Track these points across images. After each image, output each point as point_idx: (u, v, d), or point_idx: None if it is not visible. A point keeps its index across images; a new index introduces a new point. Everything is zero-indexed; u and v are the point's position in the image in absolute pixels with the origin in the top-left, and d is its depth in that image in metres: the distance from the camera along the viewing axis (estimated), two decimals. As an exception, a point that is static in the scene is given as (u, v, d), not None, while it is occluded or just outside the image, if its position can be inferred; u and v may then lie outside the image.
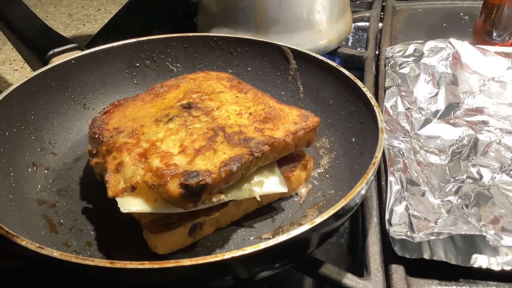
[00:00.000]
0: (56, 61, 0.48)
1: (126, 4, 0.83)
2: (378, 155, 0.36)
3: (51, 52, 0.49)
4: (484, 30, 0.61)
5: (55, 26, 0.53)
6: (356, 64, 0.63)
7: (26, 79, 0.44)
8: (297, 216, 0.40)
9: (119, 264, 0.27)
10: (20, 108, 0.43)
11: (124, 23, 0.77)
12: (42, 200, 0.40)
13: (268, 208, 0.41)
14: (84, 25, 0.83)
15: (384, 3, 0.76)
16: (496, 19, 0.59)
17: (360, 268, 0.38)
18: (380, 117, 0.39)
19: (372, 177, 0.35)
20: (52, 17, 0.57)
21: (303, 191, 0.42)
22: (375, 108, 0.40)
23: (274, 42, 0.50)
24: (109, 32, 0.73)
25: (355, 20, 0.73)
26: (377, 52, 0.63)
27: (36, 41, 0.51)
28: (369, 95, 0.42)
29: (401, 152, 0.45)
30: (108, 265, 0.27)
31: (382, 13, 0.73)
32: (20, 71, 0.69)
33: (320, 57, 0.48)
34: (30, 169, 0.42)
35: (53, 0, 0.91)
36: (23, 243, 0.29)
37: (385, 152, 0.45)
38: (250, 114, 0.40)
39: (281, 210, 0.41)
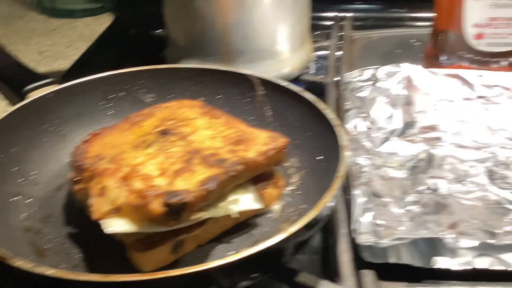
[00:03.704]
0: (33, 95, 0.50)
1: (96, 40, 0.86)
2: (340, 169, 0.39)
3: (27, 87, 0.51)
4: (433, 55, 0.66)
5: (27, 63, 0.55)
6: (318, 90, 0.67)
7: (5, 114, 0.46)
8: (273, 231, 0.43)
9: (112, 277, 0.29)
10: (1, 141, 0.45)
11: (95, 59, 0.79)
12: (27, 227, 0.42)
13: (245, 224, 0.43)
14: (55, 61, 0.85)
15: (341, 33, 0.81)
16: (444, 44, 0.65)
17: (328, 275, 0.41)
18: (341, 135, 0.43)
19: (338, 190, 0.38)
20: (23, 55, 0.58)
21: (276, 207, 0.45)
22: (336, 127, 0.44)
23: (241, 72, 0.54)
24: (81, 67, 0.76)
25: (316, 49, 0.77)
26: (338, 78, 0.67)
27: (12, 77, 0.53)
28: (331, 116, 0.46)
29: (364, 168, 0.49)
30: (102, 279, 0.29)
31: (341, 42, 0.78)
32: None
33: (285, 83, 0.52)
34: (15, 198, 0.44)
35: (23, 39, 0.93)
36: (17, 264, 0.30)
37: (350, 168, 0.49)
38: (223, 137, 0.43)
39: (257, 226, 0.43)
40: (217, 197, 0.39)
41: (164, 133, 0.43)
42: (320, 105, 0.48)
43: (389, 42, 0.77)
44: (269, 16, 0.60)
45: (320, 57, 0.77)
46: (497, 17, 0.60)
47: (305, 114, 0.50)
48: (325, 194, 0.37)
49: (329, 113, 0.46)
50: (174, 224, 0.36)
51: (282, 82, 0.52)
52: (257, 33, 0.61)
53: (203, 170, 0.38)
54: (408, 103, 0.59)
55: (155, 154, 0.40)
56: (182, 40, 0.64)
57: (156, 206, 0.35)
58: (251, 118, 0.54)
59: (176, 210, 0.36)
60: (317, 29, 0.86)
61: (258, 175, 0.43)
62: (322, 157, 0.47)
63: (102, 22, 1.00)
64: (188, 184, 0.37)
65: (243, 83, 0.54)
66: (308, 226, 0.35)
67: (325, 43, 0.77)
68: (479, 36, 0.62)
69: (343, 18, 0.87)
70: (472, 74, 0.61)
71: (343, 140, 0.42)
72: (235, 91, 0.55)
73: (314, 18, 0.91)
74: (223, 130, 0.44)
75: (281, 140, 0.43)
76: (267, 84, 0.53)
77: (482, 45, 0.62)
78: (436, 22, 0.65)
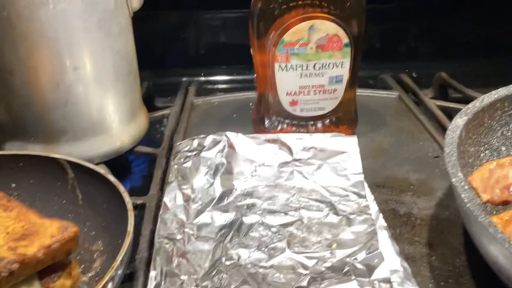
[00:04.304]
0: None
1: None
2: (118, 259, 0.40)
3: None
4: (259, 119, 0.70)
5: None
6: (152, 162, 0.68)
7: None
8: (62, 324, 0.43)
9: None
10: None
11: None
12: None
13: (33, 320, 0.43)
14: None
15: (185, 99, 0.84)
16: (266, 109, 0.69)
17: None
18: (130, 220, 0.44)
19: (111, 281, 0.39)
20: None
21: (70, 297, 0.45)
22: (128, 212, 0.45)
23: (50, 155, 0.54)
24: None
25: (160, 117, 0.79)
26: (168, 149, 0.69)
27: None
28: (127, 199, 0.47)
29: (171, 245, 0.50)
30: None
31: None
32: None
33: (91, 166, 0.52)
34: None
35: None
36: None
37: (156, 246, 0.50)
38: (7, 233, 0.43)
39: (46, 320, 0.43)
40: (-9, 299, 0.39)
41: None
42: (120, 187, 0.49)
43: (229, 107, 0.81)
44: (90, 95, 0.61)
45: (162, 126, 0.80)
46: (306, 85, 0.65)
47: (111, 196, 0.50)
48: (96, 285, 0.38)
49: (126, 196, 0.48)
50: None
51: (88, 165, 0.53)
52: (79, 112, 0.61)
53: (-27, 274, 0.38)
54: (228, 171, 0.61)
55: None
56: (4, 121, 0.63)
57: None
58: (64, 202, 0.54)
59: None
60: (169, 95, 0.89)
61: (49, 266, 0.43)
62: (121, 240, 0.47)
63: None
64: (-49, 292, 0.36)
65: (55, 166, 0.54)
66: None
67: (166, 111, 0.79)
68: (293, 103, 0.66)
69: (190, 83, 0.90)
70: (291, 138, 0.64)
71: (129, 225, 0.44)
72: (48, 175, 0.55)
73: (168, 83, 0.95)
74: (11, 224, 0.44)
75: (70, 230, 0.44)
76: (76, 166, 0.53)
77: (297, 111, 0.67)
78: (257, 88, 0.69)
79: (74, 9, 0.56)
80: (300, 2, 0.61)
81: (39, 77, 0.58)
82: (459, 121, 0.53)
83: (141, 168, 0.76)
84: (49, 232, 0.43)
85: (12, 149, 0.62)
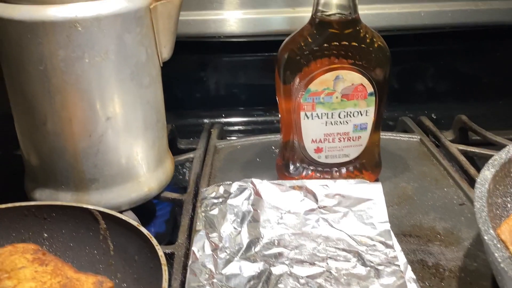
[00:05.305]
0: None
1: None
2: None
3: None
4: (283, 165, 0.71)
5: None
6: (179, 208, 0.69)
7: None
8: None
9: None
10: None
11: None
12: None
13: None
14: None
15: (208, 142, 0.85)
16: (289, 154, 0.69)
17: None
18: (165, 276, 0.45)
19: None
20: None
21: None
22: (162, 267, 0.46)
23: (83, 206, 0.55)
24: None
25: (185, 160, 0.80)
26: (194, 195, 0.70)
27: None
28: (160, 253, 0.48)
29: (201, 296, 0.51)
30: None
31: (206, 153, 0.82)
32: None
33: (124, 217, 0.53)
34: None
35: None
36: None
37: (186, 298, 0.50)
38: (46, 289, 0.44)
39: None
40: None
41: (-17, 290, 0.43)
42: (152, 240, 0.50)
43: (251, 150, 0.82)
44: (120, 144, 0.63)
45: (185, 167, 0.81)
46: (331, 133, 0.66)
47: (142, 248, 0.51)
48: None
49: (160, 250, 0.48)
50: None
51: (121, 216, 0.53)
52: (109, 160, 0.63)
53: (14, 332, 0.39)
54: (254, 219, 0.62)
55: (-33, 318, 0.40)
56: (35, 170, 0.64)
57: None
58: (95, 252, 0.55)
59: None
60: (191, 136, 0.91)
61: (84, 322, 0.44)
62: (154, 294, 0.48)
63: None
64: None
65: (87, 216, 0.55)
66: None
67: (190, 155, 0.80)
68: (318, 150, 0.67)
69: (212, 125, 0.91)
70: (316, 184, 0.65)
71: (164, 282, 0.44)
72: (80, 225, 0.56)
73: (190, 125, 0.96)
74: (48, 280, 0.45)
75: (105, 286, 0.45)
76: (109, 217, 0.54)
77: (322, 158, 0.68)
78: (282, 134, 0.70)
79: (108, 62, 0.57)
80: (326, 53, 0.62)
81: (72, 127, 0.60)
82: (487, 173, 0.53)
83: (164, 212, 0.77)
84: (85, 287, 0.44)
85: (43, 196, 0.63)
